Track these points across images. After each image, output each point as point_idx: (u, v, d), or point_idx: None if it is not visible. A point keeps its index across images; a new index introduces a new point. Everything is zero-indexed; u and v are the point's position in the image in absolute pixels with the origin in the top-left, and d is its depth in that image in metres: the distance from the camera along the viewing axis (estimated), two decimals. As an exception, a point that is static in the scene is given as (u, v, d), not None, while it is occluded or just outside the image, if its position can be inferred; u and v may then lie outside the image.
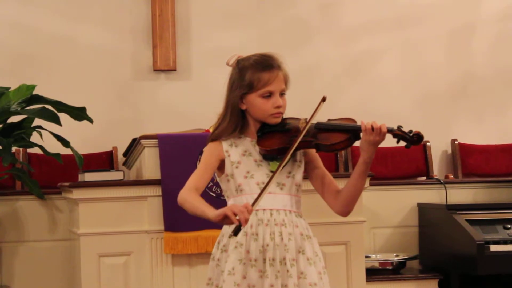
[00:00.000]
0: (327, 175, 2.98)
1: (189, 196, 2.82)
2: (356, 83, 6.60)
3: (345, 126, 2.86)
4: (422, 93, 6.67)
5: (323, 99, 2.83)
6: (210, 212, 2.71)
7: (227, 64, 2.94)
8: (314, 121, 2.86)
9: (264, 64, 2.88)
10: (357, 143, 2.88)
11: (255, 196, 2.80)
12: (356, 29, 6.62)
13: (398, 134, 2.82)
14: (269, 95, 2.88)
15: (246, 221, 2.63)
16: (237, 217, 2.61)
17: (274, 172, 2.79)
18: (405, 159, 6.38)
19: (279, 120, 2.91)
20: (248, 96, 2.88)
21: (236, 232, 2.64)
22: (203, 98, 5.99)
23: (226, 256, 2.86)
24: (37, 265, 5.37)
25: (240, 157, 2.90)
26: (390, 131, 2.81)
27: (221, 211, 2.65)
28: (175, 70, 6.31)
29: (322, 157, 3.08)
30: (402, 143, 2.83)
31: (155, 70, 6.30)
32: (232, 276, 2.83)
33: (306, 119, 2.86)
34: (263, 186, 2.83)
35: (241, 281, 2.83)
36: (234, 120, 2.90)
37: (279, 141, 2.86)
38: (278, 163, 2.81)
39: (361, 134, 2.83)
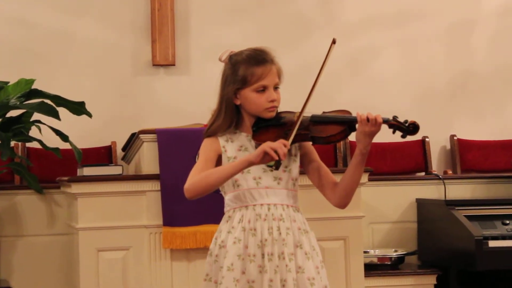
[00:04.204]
0: (323, 168, 2.98)
1: (205, 173, 2.81)
2: (356, 79, 6.59)
3: (341, 118, 2.86)
4: (422, 89, 6.67)
5: (334, 42, 2.84)
6: (249, 156, 2.76)
7: (220, 60, 2.95)
8: (308, 114, 2.87)
9: (257, 58, 2.88)
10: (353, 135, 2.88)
11: (252, 190, 2.81)
12: (355, 25, 6.61)
13: (394, 124, 2.82)
14: (263, 89, 2.88)
15: (285, 155, 2.71)
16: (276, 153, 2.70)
17: (294, 124, 2.82)
18: (404, 155, 6.38)
19: (273, 114, 2.91)
20: (242, 91, 2.88)
21: (277, 166, 2.73)
22: (202, 93, 5.96)
23: (224, 252, 2.86)
24: (35, 259, 5.37)
25: (236, 152, 2.91)
26: (385, 121, 2.82)
27: (259, 149, 2.72)
28: (174, 65, 6.31)
29: (321, 152, 3.08)
30: (398, 134, 2.83)
31: (154, 65, 6.30)
32: (231, 272, 2.83)
33: (301, 112, 2.86)
34: (259, 180, 2.85)
35: (241, 277, 2.83)
36: (229, 116, 2.90)
37: (275, 135, 2.86)
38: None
39: (357, 125, 2.83)
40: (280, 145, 2.70)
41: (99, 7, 6.29)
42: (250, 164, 2.77)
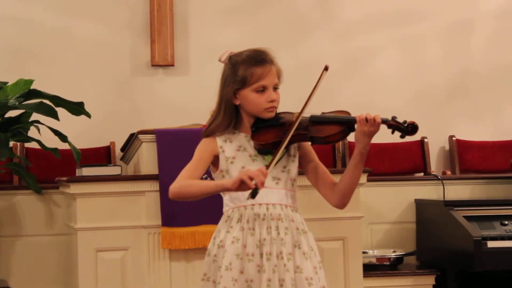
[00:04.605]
0: (322, 168, 2.99)
1: (189, 181, 2.82)
2: (354, 79, 6.60)
3: (340, 118, 2.87)
4: (420, 89, 6.67)
5: (326, 68, 2.84)
6: (225, 182, 2.75)
7: (220, 60, 2.95)
8: (307, 114, 2.87)
9: (257, 59, 2.89)
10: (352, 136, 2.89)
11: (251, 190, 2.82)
12: (354, 24, 6.62)
13: (393, 124, 2.83)
14: (263, 89, 2.88)
15: (262, 184, 2.67)
16: (253, 182, 2.65)
17: (282, 142, 2.80)
18: (403, 155, 6.38)
19: (273, 114, 2.91)
20: (241, 92, 2.89)
21: (253, 195, 2.68)
22: (201, 94, 5.92)
23: (223, 251, 2.87)
24: (34, 259, 5.37)
25: (235, 152, 2.91)
26: (384, 121, 2.83)
27: (236, 177, 2.68)
28: (173, 65, 6.31)
29: (320, 153, 3.08)
30: (397, 134, 2.84)
31: (153, 65, 6.30)
32: (229, 271, 2.83)
33: (299, 112, 2.86)
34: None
35: (239, 276, 2.84)
36: (228, 116, 2.91)
37: (274, 135, 2.87)
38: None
39: (356, 126, 2.83)
40: (258, 174, 2.66)
41: (98, 7, 6.29)
42: (225, 190, 2.76)
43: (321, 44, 6.55)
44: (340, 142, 6.26)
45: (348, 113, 2.90)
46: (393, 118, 2.83)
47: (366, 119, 2.80)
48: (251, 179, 2.66)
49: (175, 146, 4.63)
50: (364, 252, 5.28)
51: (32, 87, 5.18)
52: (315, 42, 6.54)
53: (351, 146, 6.23)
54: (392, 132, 2.85)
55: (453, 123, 6.67)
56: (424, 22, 6.71)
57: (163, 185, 4.59)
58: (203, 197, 2.83)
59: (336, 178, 2.99)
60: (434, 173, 6.13)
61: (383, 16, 6.66)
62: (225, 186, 2.73)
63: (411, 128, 2.83)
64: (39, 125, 5.18)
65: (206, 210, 4.41)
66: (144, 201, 4.67)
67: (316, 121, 2.88)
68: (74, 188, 4.65)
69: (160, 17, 6.25)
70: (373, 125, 2.81)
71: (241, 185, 2.68)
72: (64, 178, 4.79)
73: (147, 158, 4.76)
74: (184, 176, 2.85)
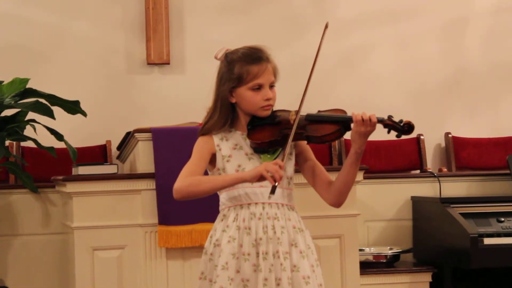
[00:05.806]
0: (318, 167, 2.98)
1: (199, 178, 2.82)
2: (350, 77, 6.60)
3: (336, 117, 2.86)
4: (416, 86, 6.67)
5: (326, 26, 2.84)
6: (244, 174, 2.78)
7: (215, 57, 2.94)
8: (303, 112, 2.86)
9: (253, 56, 2.88)
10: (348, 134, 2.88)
11: (247, 189, 2.81)
12: (349, 22, 6.61)
13: (389, 124, 2.82)
14: (259, 87, 2.87)
15: (281, 178, 2.71)
16: (271, 175, 2.69)
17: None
18: (399, 153, 6.38)
19: (269, 112, 2.91)
20: (237, 90, 2.88)
21: (273, 191, 2.71)
22: (196, 92, 5.93)
23: (219, 250, 2.86)
24: (30, 258, 5.36)
25: (231, 150, 2.90)
26: (380, 121, 2.81)
27: (256, 171, 2.72)
28: (168, 63, 6.30)
29: (316, 151, 3.08)
30: (393, 133, 2.83)
31: (148, 64, 6.29)
32: (225, 271, 2.83)
33: (296, 111, 2.85)
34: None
35: (235, 276, 2.83)
36: (224, 114, 2.90)
37: (270, 133, 2.86)
38: (269, 156, 2.81)
39: (352, 125, 2.83)
40: (276, 168, 2.69)
41: (93, 6, 6.28)
42: (244, 181, 2.78)
43: (316, 42, 6.50)
44: (337, 141, 6.26)
45: (344, 111, 2.89)
46: (389, 117, 2.82)
47: (362, 119, 2.79)
48: (271, 174, 2.70)
49: (172, 144, 4.63)
50: (360, 250, 5.28)
51: (28, 86, 5.18)
52: (310, 39, 6.52)
53: (348, 144, 6.24)
54: (388, 132, 2.84)
55: (448, 120, 6.67)
56: (419, 20, 6.71)
57: (159, 183, 4.59)
58: (214, 192, 2.85)
59: (332, 176, 2.98)
60: (430, 170, 6.14)
61: (378, 14, 6.66)
62: (245, 179, 2.76)
63: (407, 128, 2.81)
64: (35, 124, 5.17)
65: (202, 208, 4.40)
66: (141, 199, 4.67)
67: (312, 120, 2.87)
68: (70, 187, 4.64)
69: (155, 15, 6.25)
70: (369, 125, 2.79)
71: (260, 179, 2.73)
72: (60, 177, 4.79)
73: (143, 156, 4.76)
74: (187, 172, 2.84)
